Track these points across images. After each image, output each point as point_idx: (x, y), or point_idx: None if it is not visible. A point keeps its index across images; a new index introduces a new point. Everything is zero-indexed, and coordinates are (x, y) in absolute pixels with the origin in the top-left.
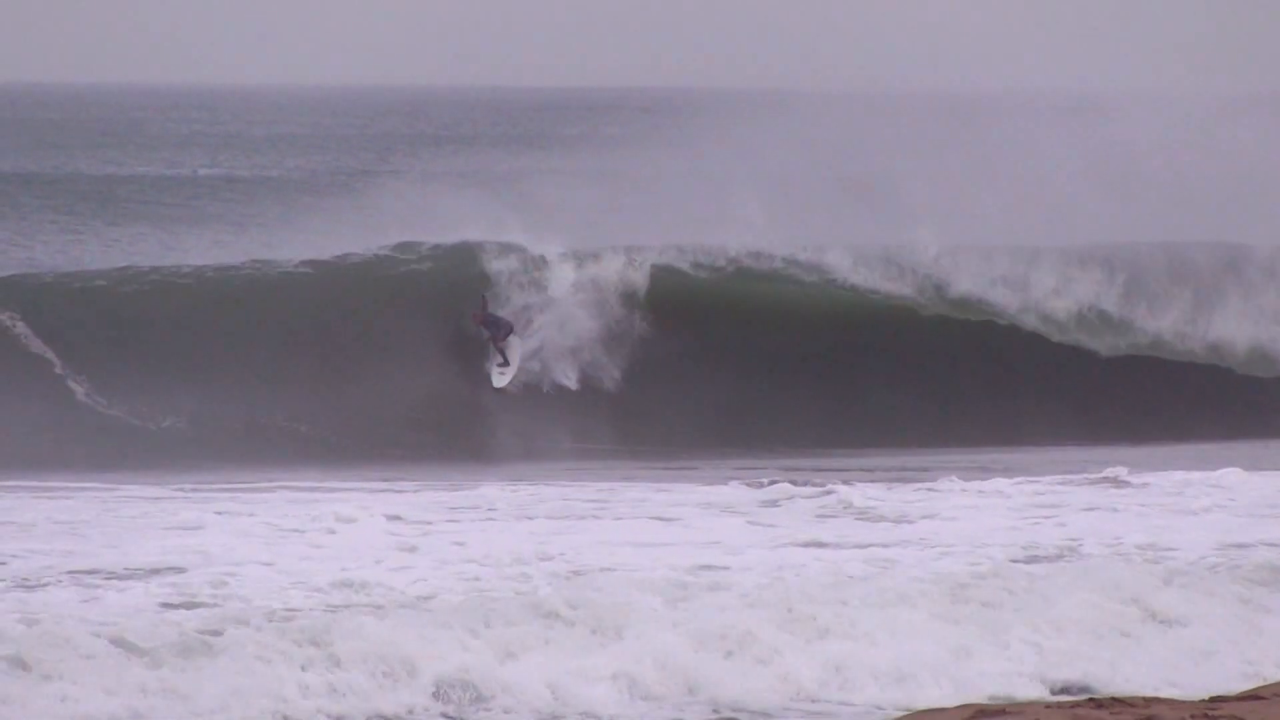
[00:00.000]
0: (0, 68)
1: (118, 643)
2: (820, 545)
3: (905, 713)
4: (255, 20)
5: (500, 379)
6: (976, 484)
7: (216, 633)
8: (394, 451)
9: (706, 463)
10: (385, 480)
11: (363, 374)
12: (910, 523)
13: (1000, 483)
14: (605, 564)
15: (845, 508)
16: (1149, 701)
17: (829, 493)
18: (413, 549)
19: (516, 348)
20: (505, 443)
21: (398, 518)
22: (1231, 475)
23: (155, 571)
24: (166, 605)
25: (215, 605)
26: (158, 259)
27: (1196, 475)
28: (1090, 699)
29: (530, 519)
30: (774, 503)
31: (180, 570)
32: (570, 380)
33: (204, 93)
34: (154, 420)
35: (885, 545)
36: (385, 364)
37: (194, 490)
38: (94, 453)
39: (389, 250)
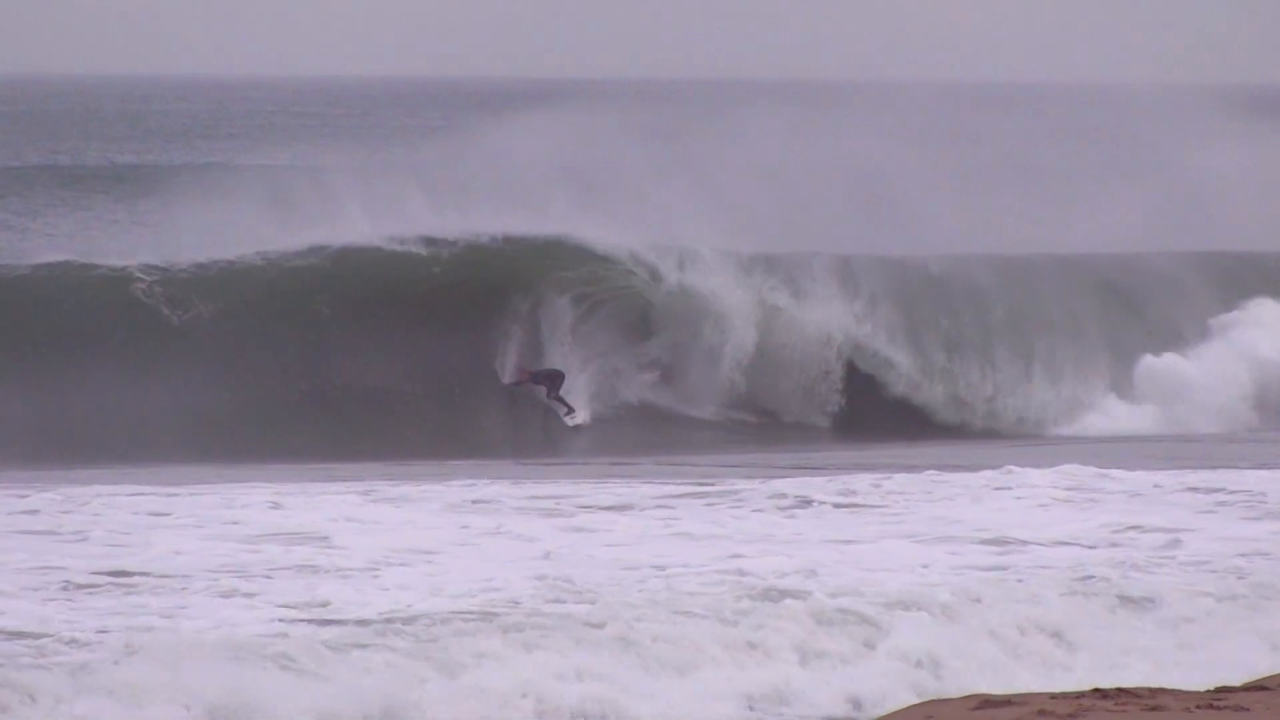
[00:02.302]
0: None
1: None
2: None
3: (918, 702)
4: (259, 11)
5: (574, 420)
6: (985, 474)
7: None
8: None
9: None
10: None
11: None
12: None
13: (1031, 474)
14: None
15: (865, 502)
16: (1154, 692)
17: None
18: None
19: (568, 390)
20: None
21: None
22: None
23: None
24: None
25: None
26: (164, 249)
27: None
28: (1095, 689)
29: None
30: (782, 496)
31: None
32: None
33: (207, 84)
34: (161, 415)
35: (966, 540)
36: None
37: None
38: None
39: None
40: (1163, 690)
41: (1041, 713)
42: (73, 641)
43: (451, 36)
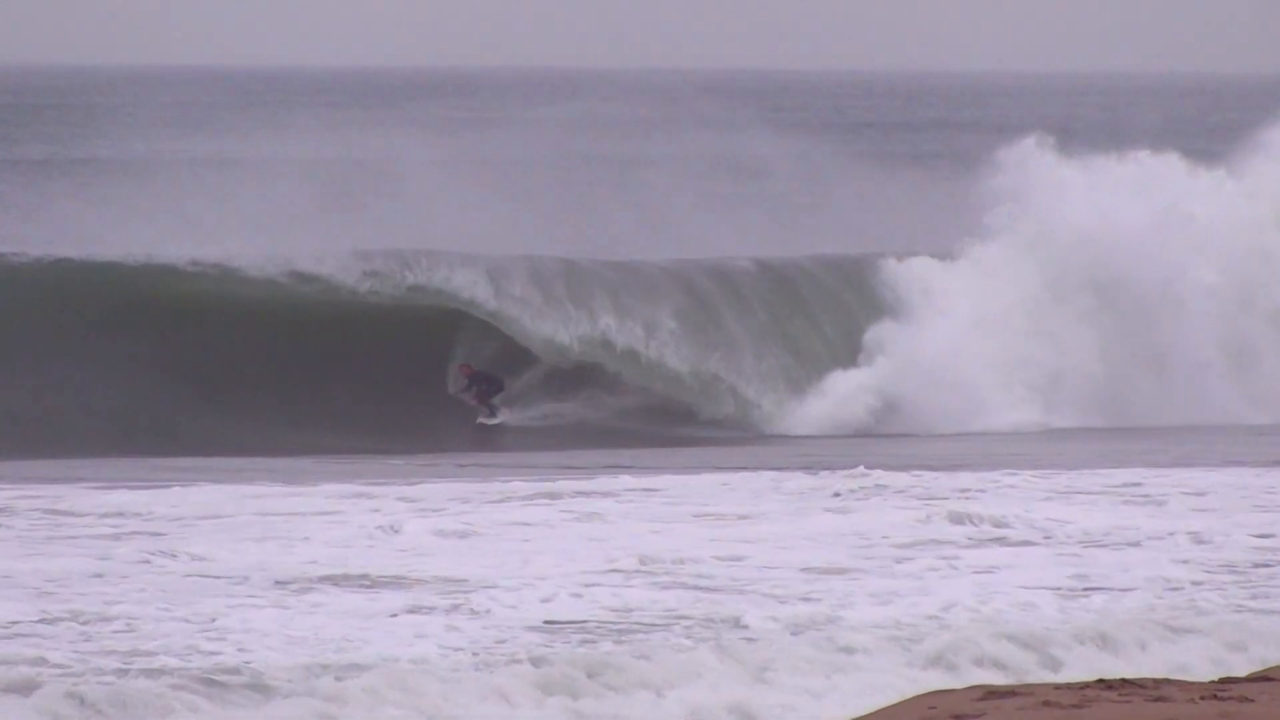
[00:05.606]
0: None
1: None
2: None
3: (922, 693)
4: (258, 5)
5: (493, 422)
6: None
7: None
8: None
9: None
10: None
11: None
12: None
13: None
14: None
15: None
16: (1158, 683)
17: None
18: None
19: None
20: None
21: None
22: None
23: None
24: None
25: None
26: (172, 244)
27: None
28: (1100, 680)
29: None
30: (795, 492)
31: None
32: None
33: (214, 75)
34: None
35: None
36: None
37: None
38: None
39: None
40: (1167, 681)
41: (1046, 703)
42: None
43: (448, 29)
